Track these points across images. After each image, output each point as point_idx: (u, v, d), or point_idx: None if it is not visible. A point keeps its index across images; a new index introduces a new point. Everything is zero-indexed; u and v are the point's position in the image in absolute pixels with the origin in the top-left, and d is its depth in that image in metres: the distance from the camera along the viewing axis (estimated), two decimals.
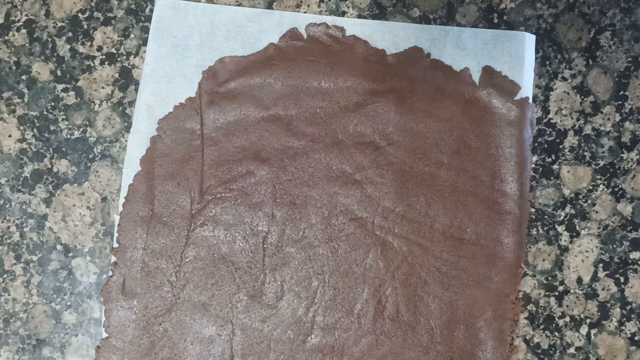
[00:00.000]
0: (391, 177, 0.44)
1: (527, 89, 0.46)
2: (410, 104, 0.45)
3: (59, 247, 0.46)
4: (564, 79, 0.47)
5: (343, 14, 0.47)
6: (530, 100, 0.46)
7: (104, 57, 0.47)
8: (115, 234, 0.44)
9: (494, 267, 0.44)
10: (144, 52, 0.47)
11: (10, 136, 0.47)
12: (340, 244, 0.44)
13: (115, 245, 0.44)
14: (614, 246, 0.47)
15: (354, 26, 0.46)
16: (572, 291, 0.46)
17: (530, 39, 0.46)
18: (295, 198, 0.44)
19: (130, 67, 0.47)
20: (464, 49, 0.46)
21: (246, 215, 0.44)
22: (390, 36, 0.46)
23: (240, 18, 0.46)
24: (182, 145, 0.45)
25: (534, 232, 0.46)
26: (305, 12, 0.47)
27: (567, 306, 0.46)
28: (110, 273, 0.44)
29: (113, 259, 0.44)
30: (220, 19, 0.46)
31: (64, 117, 0.47)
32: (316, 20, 0.46)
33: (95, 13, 0.47)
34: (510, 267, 0.44)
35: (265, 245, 0.44)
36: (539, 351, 0.46)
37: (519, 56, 0.45)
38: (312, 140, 0.44)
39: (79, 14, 0.47)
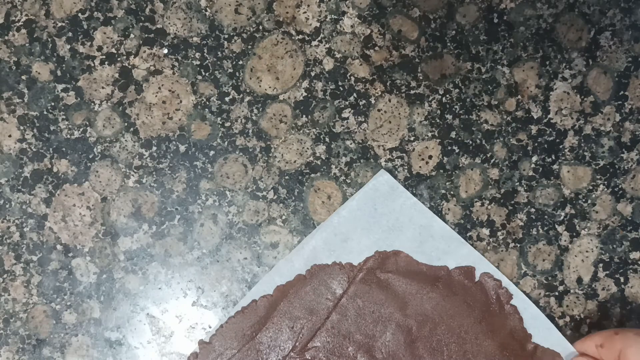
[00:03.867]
0: None
1: None
2: None
3: (59, 247, 0.46)
4: (564, 79, 0.47)
5: (343, 13, 0.47)
6: None
7: (104, 57, 0.47)
8: (213, 331, 0.45)
9: None
10: (144, 52, 0.47)
11: (10, 136, 0.47)
12: None
13: (207, 339, 0.45)
14: (614, 246, 0.47)
15: (519, 293, 0.45)
16: (572, 291, 0.46)
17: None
18: None
19: (130, 67, 0.47)
20: None
21: None
22: (542, 330, 0.45)
23: (436, 230, 0.46)
24: (317, 298, 0.46)
25: (534, 232, 0.46)
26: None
27: (567, 306, 0.46)
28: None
29: (196, 347, 0.45)
30: (420, 220, 0.46)
31: (64, 117, 0.47)
32: (494, 272, 0.46)
33: (95, 13, 0.47)
34: None
35: None
36: None
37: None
38: None
39: (79, 14, 0.47)
